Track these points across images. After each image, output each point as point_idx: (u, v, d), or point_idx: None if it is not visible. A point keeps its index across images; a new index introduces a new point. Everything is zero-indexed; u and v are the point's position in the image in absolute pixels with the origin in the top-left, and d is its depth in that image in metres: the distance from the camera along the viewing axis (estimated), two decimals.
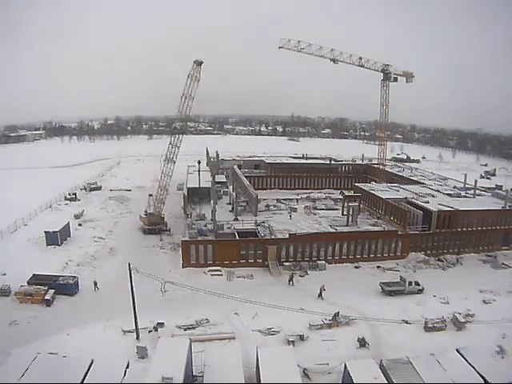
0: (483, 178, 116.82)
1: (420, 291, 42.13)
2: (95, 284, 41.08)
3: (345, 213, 59.40)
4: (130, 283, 31.93)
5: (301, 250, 49.38)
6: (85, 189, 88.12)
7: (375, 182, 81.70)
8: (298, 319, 35.38)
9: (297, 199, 74.52)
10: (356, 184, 74.07)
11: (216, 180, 65.81)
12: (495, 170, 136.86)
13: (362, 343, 32.33)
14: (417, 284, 42.30)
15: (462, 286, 43.63)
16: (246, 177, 76.98)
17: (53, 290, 38.57)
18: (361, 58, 72.97)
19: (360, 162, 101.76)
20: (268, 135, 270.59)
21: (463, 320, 35.63)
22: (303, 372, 27.95)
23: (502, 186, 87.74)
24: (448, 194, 65.01)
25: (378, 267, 49.38)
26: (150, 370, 23.74)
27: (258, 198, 62.55)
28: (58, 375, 23.69)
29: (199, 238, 49.17)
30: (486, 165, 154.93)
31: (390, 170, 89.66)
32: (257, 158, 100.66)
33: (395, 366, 26.35)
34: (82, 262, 47.98)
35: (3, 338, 31.15)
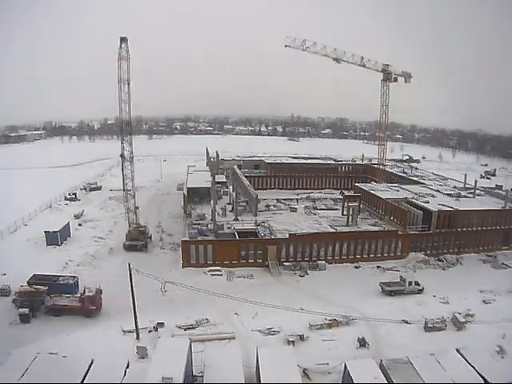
0: (483, 177, 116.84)
1: (420, 291, 42.16)
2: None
3: (345, 213, 59.42)
4: (130, 283, 31.96)
5: (301, 250, 49.39)
6: (85, 189, 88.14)
7: (375, 182, 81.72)
8: (298, 319, 35.37)
9: (297, 199, 74.51)
10: (356, 184, 74.08)
11: (216, 180, 65.84)
12: (495, 170, 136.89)
13: (362, 343, 32.34)
14: (417, 284, 42.31)
15: (462, 285, 43.63)
16: (246, 177, 76.98)
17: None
18: (362, 58, 73.01)
19: (360, 162, 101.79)
20: (268, 135, 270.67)
21: (463, 320, 35.62)
22: (303, 372, 27.95)
23: (502, 186, 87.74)
24: (448, 194, 65.05)
25: (378, 267, 49.39)
26: (150, 370, 23.73)
27: (258, 197, 62.55)
28: (58, 375, 23.69)
29: (199, 238, 49.20)
30: (486, 165, 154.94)
31: (390, 170, 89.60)
32: (257, 158, 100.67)
33: (395, 366, 26.35)
34: (81, 261, 47.99)
35: (3, 337, 31.13)
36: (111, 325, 33.67)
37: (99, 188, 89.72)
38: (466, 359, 27.07)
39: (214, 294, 37.27)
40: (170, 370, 23.23)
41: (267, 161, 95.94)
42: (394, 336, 33.58)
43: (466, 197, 64.53)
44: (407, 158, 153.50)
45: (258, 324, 34.85)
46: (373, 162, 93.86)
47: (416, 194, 64.10)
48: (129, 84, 44.54)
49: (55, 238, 52.63)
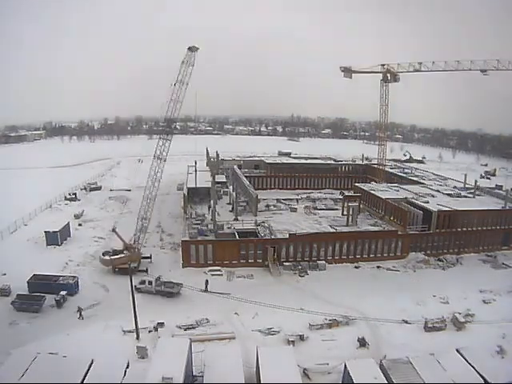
0: (483, 177, 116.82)
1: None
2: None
3: (345, 213, 59.42)
4: (130, 283, 31.98)
5: (301, 250, 49.38)
6: (85, 189, 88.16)
7: (375, 182, 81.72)
8: (298, 319, 35.41)
9: (297, 199, 74.54)
10: (356, 184, 74.07)
11: (216, 180, 65.83)
12: (495, 170, 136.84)
13: (362, 343, 32.35)
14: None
15: (462, 285, 43.65)
16: (246, 177, 77.00)
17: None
18: None
19: (360, 162, 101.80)
20: (268, 135, 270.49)
21: (463, 320, 35.64)
22: (303, 372, 27.95)
23: (502, 186, 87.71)
24: (448, 194, 65.05)
25: (378, 267, 49.40)
26: (150, 370, 23.74)
27: (258, 197, 62.56)
28: (58, 375, 23.69)
29: (199, 238, 49.19)
30: (486, 165, 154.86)
31: (390, 170, 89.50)
32: (257, 158, 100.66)
33: (395, 366, 26.35)
34: (82, 262, 48.03)
35: (3, 337, 31.15)
36: (111, 325, 33.67)
37: (99, 188, 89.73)
38: (466, 359, 27.05)
39: (214, 294, 37.42)
40: (170, 370, 23.23)
41: (267, 161, 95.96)
42: (394, 336, 33.59)
43: (465, 197, 64.56)
44: (408, 156, 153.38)
45: (258, 324, 34.86)
46: (372, 163, 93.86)
47: (416, 194, 64.10)
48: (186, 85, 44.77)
49: (55, 238, 52.65)
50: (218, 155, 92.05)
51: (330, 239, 50.53)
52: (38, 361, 25.02)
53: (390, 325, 34.85)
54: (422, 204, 57.05)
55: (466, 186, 72.51)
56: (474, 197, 64.67)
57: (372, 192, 65.25)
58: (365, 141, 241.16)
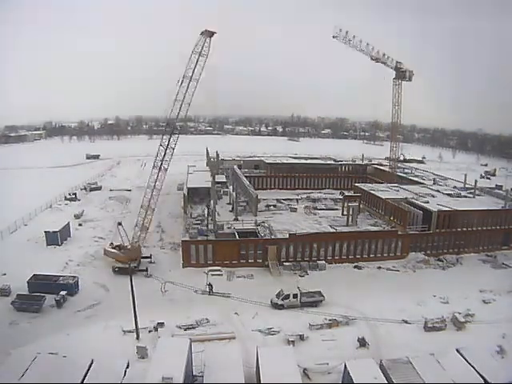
0: (483, 178, 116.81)
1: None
2: None
3: (345, 213, 59.43)
4: (130, 283, 31.97)
5: (301, 250, 49.38)
6: (85, 189, 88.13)
7: (380, 183, 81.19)
8: (298, 319, 35.43)
9: (297, 199, 74.54)
10: (356, 184, 74.06)
11: (216, 180, 65.84)
12: (495, 170, 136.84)
13: (362, 343, 32.34)
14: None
15: (462, 285, 43.69)
16: (246, 177, 77.01)
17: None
18: (378, 52, 72.54)
19: (360, 162, 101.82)
20: (268, 135, 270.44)
21: (463, 320, 35.66)
22: (303, 372, 27.96)
23: (502, 186, 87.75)
24: (448, 194, 65.06)
25: (379, 267, 49.39)
26: (150, 370, 23.75)
27: (258, 197, 62.56)
28: (58, 375, 23.72)
29: (199, 238, 49.20)
30: (486, 165, 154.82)
31: (387, 170, 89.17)
32: (257, 158, 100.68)
33: (395, 366, 26.36)
34: (82, 261, 48.01)
35: (3, 337, 31.17)
36: (111, 325, 33.67)
37: (99, 188, 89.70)
38: (466, 359, 27.08)
39: (214, 294, 37.41)
40: (170, 370, 23.24)
41: (267, 161, 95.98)
42: (394, 336, 33.59)
43: (465, 197, 64.56)
44: (402, 158, 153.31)
45: (257, 324, 34.86)
46: (373, 163, 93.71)
47: (416, 194, 64.11)
48: (197, 82, 39.37)
49: (55, 238, 52.64)
50: (217, 155, 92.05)
51: (330, 239, 50.54)
52: (38, 361, 25.03)
53: (390, 325, 34.88)
54: (422, 204, 57.06)
55: (466, 186, 72.53)
56: (473, 197, 64.71)
57: (372, 192, 65.26)
58: (365, 141, 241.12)
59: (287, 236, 49.26)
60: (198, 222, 55.71)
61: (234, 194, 62.44)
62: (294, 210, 65.90)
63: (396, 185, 73.13)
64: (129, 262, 37.68)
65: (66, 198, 78.44)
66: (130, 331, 32.77)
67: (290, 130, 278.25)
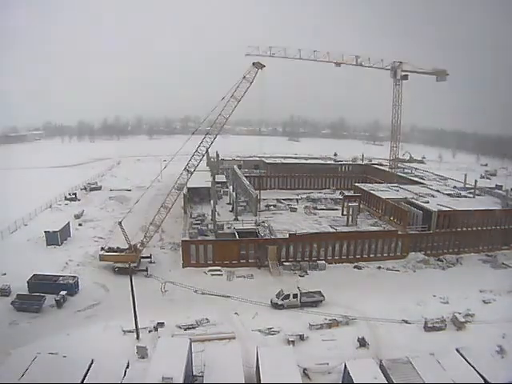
0: (483, 178, 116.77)
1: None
2: None
3: (345, 213, 59.42)
4: (130, 283, 31.96)
5: (301, 250, 49.38)
6: (85, 189, 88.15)
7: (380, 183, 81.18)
8: (298, 319, 35.42)
9: (297, 199, 74.52)
10: (356, 184, 74.04)
11: (216, 180, 65.79)
12: (495, 170, 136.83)
13: (362, 343, 32.35)
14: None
15: (462, 285, 43.69)
16: (246, 177, 76.99)
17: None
18: (369, 59, 72.27)
19: (360, 163, 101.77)
20: (268, 135, 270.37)
21: (463, 320, 35.67)
22: (303, 372, 27.97)
23: (502, 186, 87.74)
24: (448, 194, 65.05)
25: (379, 267, 49.39)
26: (150, 369, 23.77)
27: (258, 198, 62.54)
28: (58, 375, 23.73)
29: (199, 238, 49.20)
30: (486, 165, 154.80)
31: (387, 170, 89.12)
32: (257, 158, 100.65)
33: (395, 366, 26.36)
34: (82, 261, 48.01)
35: (3, 337, 31.17)
36: (111, 325, 33.67)
37: (99, 188, 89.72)
38: (466, 359, 27.09)
39: (214, 294, 37.37)
40: (170, 369, 23.26)
41: (267, 161, 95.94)
42: (394, 336, 33.60)
43: (465, 197, 64.55)
44: (408, 157, 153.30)
45: (257, 324, 34.86)
46: (373, 163, 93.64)
47: (416, 194, 64.10)
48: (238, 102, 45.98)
49: (55, 238, 52.64)
50: (217, 155, 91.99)
51: (330, 239, 50.53)
52: (38, 361, 25.04)
53: (390, 325, 34.87)
54: (422, 204, 57.05)
55: (466, 185, 72.51)
56: (473, 197, 64.70)
57: (372, 192, 65.25)
58: (365, 141, 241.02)
59: (287, 236, 49.28)
60: (198, 221, 55.72)
61: (234, 193, 62.46)
62: (294, 209, 65.91)
63: (396, 185, 73.13)
64: (129, 262, 37.77)
65: (66, 198, 78.43)
66: (130, 331, 32.78)
67: (289, 130, 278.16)
